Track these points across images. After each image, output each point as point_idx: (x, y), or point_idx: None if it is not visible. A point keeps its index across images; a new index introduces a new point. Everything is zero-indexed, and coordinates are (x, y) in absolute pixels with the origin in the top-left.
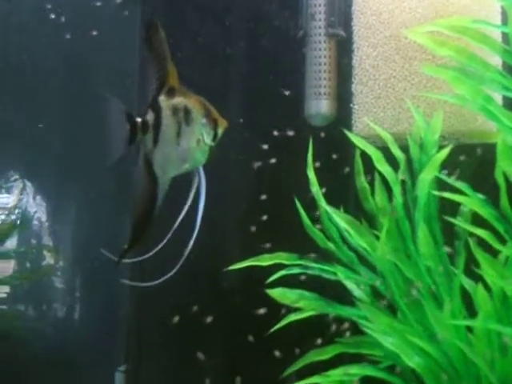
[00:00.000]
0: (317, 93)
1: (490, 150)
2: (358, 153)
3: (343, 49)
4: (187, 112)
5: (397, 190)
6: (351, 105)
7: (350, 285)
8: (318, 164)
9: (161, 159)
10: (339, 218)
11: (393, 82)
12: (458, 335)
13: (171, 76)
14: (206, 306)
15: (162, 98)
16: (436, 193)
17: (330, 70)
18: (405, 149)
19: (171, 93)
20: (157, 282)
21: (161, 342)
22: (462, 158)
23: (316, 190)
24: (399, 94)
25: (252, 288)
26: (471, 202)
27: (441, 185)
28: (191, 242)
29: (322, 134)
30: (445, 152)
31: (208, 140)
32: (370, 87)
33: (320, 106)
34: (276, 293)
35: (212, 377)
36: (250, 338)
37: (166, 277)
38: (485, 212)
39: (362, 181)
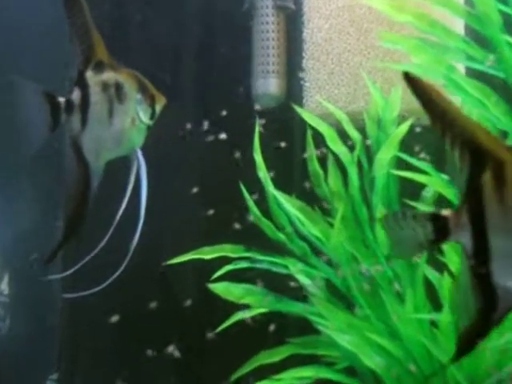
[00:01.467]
0: (264, 71)
1: None
2: (309, 133)
3: (292, 22)
4: (119, 88)
5: (352, 171)
6: (302, 82)
7: (303, 279)
8: (265, 147)
9: (91, 142)
10: (289, 205)
11: (347, 57)
12: (421, 331)
13: (98, 49)
14: (146, 307)
15: (89, 74)
16: (395, 172)
17: (279, 46)
18: (361, 129)
19: (99, 67)
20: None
21: (95, 347)
22: (423, 136)
23: (263, 174)
24: (354, 70)
25: (199, 284)
26: (435, 182)
27: (401, 166)
28: (136, 236)
29: (271, 115)
30: (404, 128)
31: (145, 118)
32: (323, 62)
33: (268, 85)
34: (219, 288)
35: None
36: (197, 339)
37: (109, 280)
38: (449, 193)
39: (314, 165)
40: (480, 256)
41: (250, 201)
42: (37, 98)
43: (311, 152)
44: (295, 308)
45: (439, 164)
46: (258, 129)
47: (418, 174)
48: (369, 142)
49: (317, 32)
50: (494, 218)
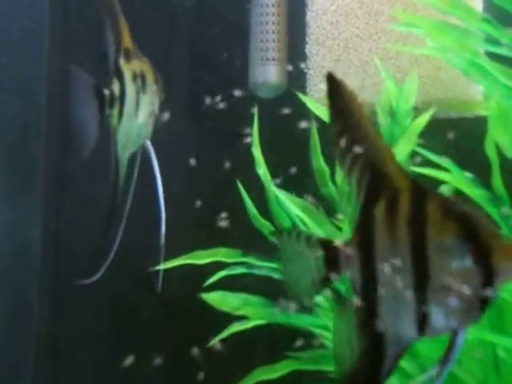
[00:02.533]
0: (263, 58)
1: (473, 122)
2: (314, 126)
3: (294, 3)
4: (143, 78)
5: None
6: (305, 70)
7: None
8: (265, 141)
9: (123, 136)
10: (292, 204)
11: (355, 42)
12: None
13: (125, 35)
14: (134, 310)
15: (121, 63)
16: (415, 169)
17: (279, 30)
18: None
19: (128, 55)
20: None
21: (77, 351)
22: (441, 131)
23: (263, 171)
24: (363, 56)
25: (191, 291)
26: (458, 180)
27: (417, 162)
28: (163, 230)
29: (271, 106)
30: (424, 120)
31: (157, 109)
32: (328, 48)
33: (268, 73)
34: (214, 298)
35: None
36: (188, 351)
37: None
38: (474, 193)
39: (319, 161)
40: (368, 295)
41: (247, 200)
42: (88, 92)
43: (316, 147)
44: (298, 320)
45: (458, 160)
46: (256, 121)
47: (438, 171)
48: None
49: (322, 14)
50: (384, 254)
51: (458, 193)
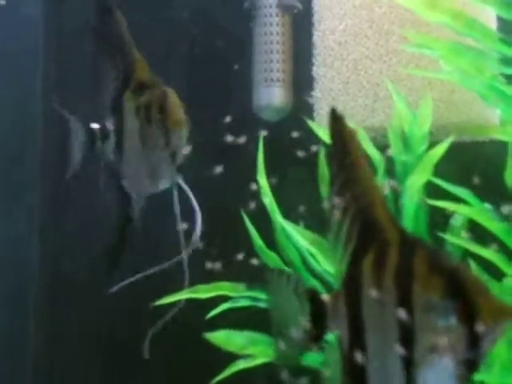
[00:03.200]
0: (268, 79)
1: (488, 146)
2: (322, 152)
3: (301, 22)
4: (162, 110)
5: None
6: (312, 92)
7: None
8: (270, 169)
9: (132, 171)
10: (300, 237)
11: (365, 63)
12: None
13: (138, 67)
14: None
15: (127, 96)
16: (431, 202)
17: (284, 50)
18: (381, 147)
19: (140, 88)
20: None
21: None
22: (454, 155)
23: (269, 200)
24: (373, 78)
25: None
26: (476, 214)
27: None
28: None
29: (276, 130)
30: (441, 150)
31: (178, 142)
32: (337, 70)
33: (272, 95)
34: (219, 337)
35: None
36: None
37: None
38: (494, 226)
39: (328, 188)
40: (355, 353)
41: (252, 231)
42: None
43: (324, 174)
44: (308, 359)
45: (477, 190)
46: (262, 146)
47: (455, 205)
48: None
49: (329, 35)
50: (372, 309)
51: (476, 226)
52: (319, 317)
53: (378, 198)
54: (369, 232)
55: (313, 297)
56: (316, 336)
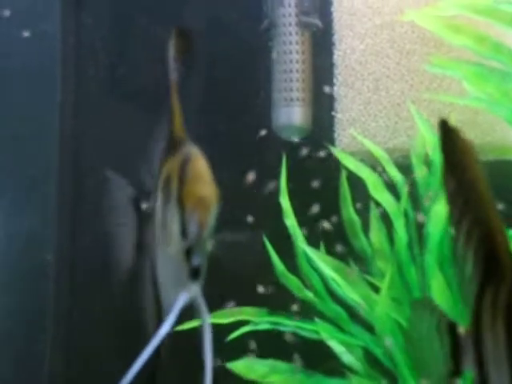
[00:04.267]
0: (287, 98)
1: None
2: (343, 175)
3: (321, 42)
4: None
5: (399, 224)
6: (333, 113)
7: (336, 347)
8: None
9: (162, 268)
10: (323, 263)
11: (386, 83)
12: None
13: (177, 118)
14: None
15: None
16: None
17: (304, 69)
18: (403, 169)
19: (172, 150)
20: None
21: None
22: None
23: (291, 223)
24: (395, 98)
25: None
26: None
27: None
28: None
29: (296, 151)
30: None
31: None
32: (357, 90)
33: (291, 114)
34: (240, 366)
35: None
36: None
37: None
38: None
39: (349, 212)
40: None
41: (274, 255)
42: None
43: (346, 197)
44: None
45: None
46: (284, 168)
47: None
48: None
49: (350, 54)
50: (491, 348)
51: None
52: (458, 351)
53: (499, 225)
54: (490, 264)
55: (453, 330)
56: (456, 371)
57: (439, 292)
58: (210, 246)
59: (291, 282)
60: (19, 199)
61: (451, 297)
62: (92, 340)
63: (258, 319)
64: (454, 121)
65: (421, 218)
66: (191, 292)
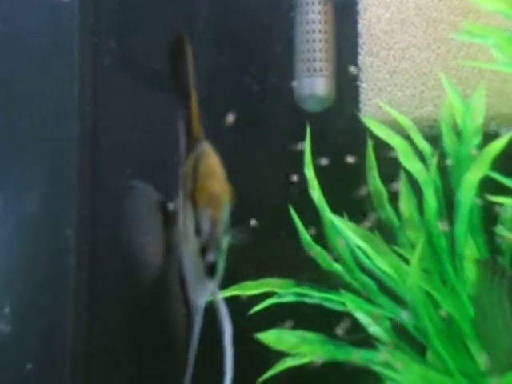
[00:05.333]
0: (310, 69)
1: None
2: (370, 144)
3: (345, 11)
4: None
5: (429, 193)
6: (358, 83)
7: (363, 319)
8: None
9: (188, 272)
10: (352, 233)
11: (412, 52)
12: None
13: (195, 116)
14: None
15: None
16: (491, 198)
17: (327, 39)
18: (429, 139)
19: (190, 149)
20: None
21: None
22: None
23: (317, 195)
24: (421, 68)
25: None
26: None
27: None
28: None
29: (320, 122)
30: (500, 144)
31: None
32: (383, 59)
33: (315, 85)
34: (270, 337)
35: None
36: None
37: None
38: None
39: (376, 181)
40: None
41: (300, 226)
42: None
43: (372, 167)
44: (358, 356)
45: None
46: (308, 139)
47: None
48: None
49: (375, 23)
50: None
51: None
52: None
53: None
54: None
55: None
56: None
57: (471, 262)
58: (226, 242)
59: (318, 253)
60: (40, 176)
61: None
62: (112, 316)
63: (283, 290)
64: (482, 89)
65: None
66: (208, 290)
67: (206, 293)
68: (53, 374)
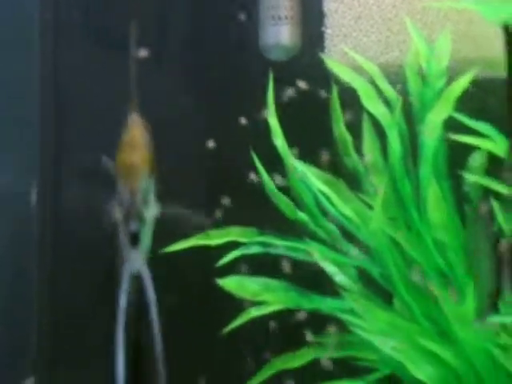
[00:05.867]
0: (275, 16)
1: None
2: (335, 90)
3: None
4: None
5: (393, 136)
6: (323, 28)
7: (329, 267)
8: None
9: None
10: (315, 178)
11: None
12: (486, 335)
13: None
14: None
15: None
16: (452, 136)
17: None
18: (395, 84)
19: None
20: None
21: (81, 344)
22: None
23: (281, 142)
24: (386, 13)
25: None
26: (499, 148)
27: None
28: None
29: (283, 68)
30: (461, 84)
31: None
32: (348, 5)
33: (280, 33)
34: (231, 283)
35: None
36: (202, 341)
37: None
38: None
39: (340, 128)
40: None
41: (263, 174)
42: None
43: (337, 113)
44: (323, 305)
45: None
46: (271, 85)
47: (478, 139)
48: None
49: None
50: None
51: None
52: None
53: None
54: None
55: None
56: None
57: (435, 204)
58: (152, 213)
59: (282, 201)
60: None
61: (447, 209)
62: (76, 287)
63: (247, 239)
64: (448, 32)
65: None
66: (132, 259)
67: (131, 262)
68: (19, 345)
